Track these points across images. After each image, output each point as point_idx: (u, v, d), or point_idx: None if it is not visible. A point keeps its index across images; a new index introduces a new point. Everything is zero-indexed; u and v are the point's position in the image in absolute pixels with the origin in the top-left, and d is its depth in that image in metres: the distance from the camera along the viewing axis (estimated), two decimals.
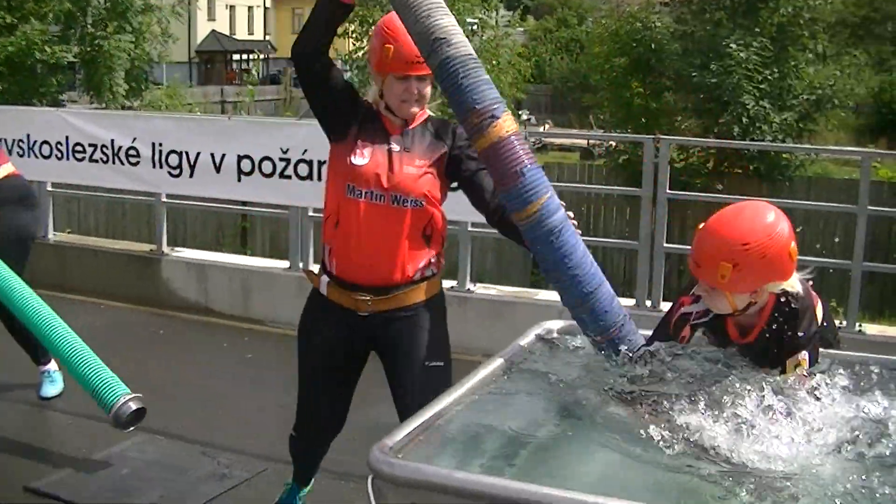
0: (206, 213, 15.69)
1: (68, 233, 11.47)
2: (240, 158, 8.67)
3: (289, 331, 8.30)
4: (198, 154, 8.87)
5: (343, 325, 4.37)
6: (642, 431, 3.05)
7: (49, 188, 10.10)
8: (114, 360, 7.60)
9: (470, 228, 8.15)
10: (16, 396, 6.85)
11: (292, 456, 4.89)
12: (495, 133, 3.61)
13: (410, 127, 4.26)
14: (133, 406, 5.44)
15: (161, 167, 9.07)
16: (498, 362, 3.55)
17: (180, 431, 6.19)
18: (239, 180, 8.71)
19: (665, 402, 3.26)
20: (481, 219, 4.38)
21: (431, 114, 4.36)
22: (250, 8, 76.98)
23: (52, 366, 6.88)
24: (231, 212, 13.85)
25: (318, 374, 4.56)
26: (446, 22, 3.68)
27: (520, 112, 35.44)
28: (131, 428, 5.53)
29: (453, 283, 8.08)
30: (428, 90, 4.21)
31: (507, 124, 3.63)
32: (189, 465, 5.80)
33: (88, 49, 27.06)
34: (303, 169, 8.37)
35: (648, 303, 7.88)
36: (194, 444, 6.08)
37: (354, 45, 27.50)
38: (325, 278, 4.39)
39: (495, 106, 3.63)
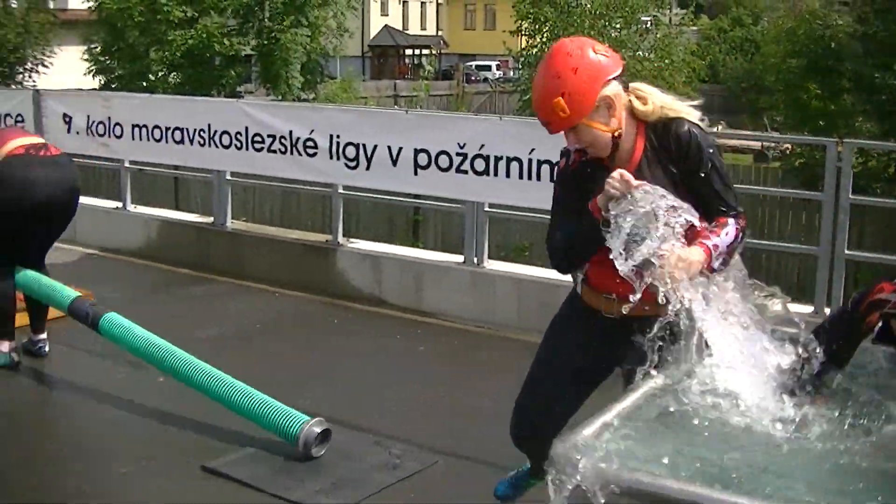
0: (379, 205, 15.85)
1: (244, 221, 11.69)
2: (416, 152, 8.71)
3: (460, 325, 8.41)
4: (375, 147, 8.95)
5: (590, 326, 4.18)
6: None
7: (228, 177, 10.32)
8: (288, 348, 7.83)
9: None
10: None
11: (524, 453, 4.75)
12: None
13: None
14: (317, 430, 5.71)
15: (338, 159, 9.19)
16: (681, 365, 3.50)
17: (353, 420, 6.24)
18: (415, 174, 8.76)
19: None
20: None
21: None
22: (423, 3, 77.56)
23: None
24: (404, 205, 13.96)
25: (555, 370, 4.36)
26: None
27: None
28: (322, 452, 5.73)
29: None
30: (583, 137, 3.84)
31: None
32: (361, 454, 5.84)
33: (265, 42, 27.66)
34: (479, 164, 8.36)
35: (827, 310, 7.67)
36: (367, 433, 6.12)
37: (527, 41, 27.51)
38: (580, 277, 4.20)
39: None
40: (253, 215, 16.50)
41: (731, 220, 3.75)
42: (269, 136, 9.62)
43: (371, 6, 61.86)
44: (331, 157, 9.23)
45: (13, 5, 33.26)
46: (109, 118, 11.07)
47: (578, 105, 3.70)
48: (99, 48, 30.98)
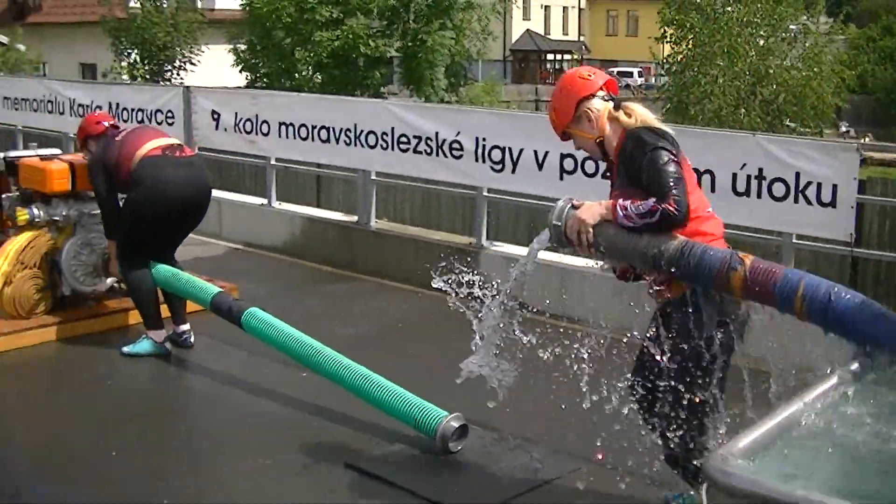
0: (520, 208, 15.73)
1: (385, 221, 11.74)
2: (563, 157, 8.66)
3: (603, 331, 8.27)
4: (521, 150, 8.92)
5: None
6: None
7: (373, 177, 10.39)
8: (428, 348, 7.82)
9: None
10: None
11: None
12: (738, 278, 4.21)
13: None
14: (455, 424, 5.79)
15: (483, 161, 9.18)
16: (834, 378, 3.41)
17: (494, 423, 6.20)
18: (561, 178, 8.70)
19: None
20: None
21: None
22: (565, 8, 77.38)
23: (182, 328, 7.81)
24: (545, 208, 13.87)
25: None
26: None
27: (839, 123, 34.28)
28: (459, 447, 5.79)
29: None
30: (576, 141, 5.04)
31: (741, 268, 4.21)
32: (502, 457, 5.82)
33: (410, 44, 27.81)
34: None
35: None
36: (508, 436, 6.09)
37: (672, 48, 27.21)
38: None
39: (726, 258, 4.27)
40: (394, 215, 16.58)
41: (651, 199, 4.43)
42: (414, 136, 9.67)
43: (513, 10, 61.93)
44: (476, 160, 9.23)
45: (164, 5, 34.04)
46: (257, 116, 11.23)
47: (560, 115, 4.94)
48: (246, 47, 31.51)
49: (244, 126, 11.35)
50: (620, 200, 4.49)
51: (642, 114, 4.79)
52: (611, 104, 4.82)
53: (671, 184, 4.43)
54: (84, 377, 7.31)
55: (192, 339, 7.78)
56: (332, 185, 16.57)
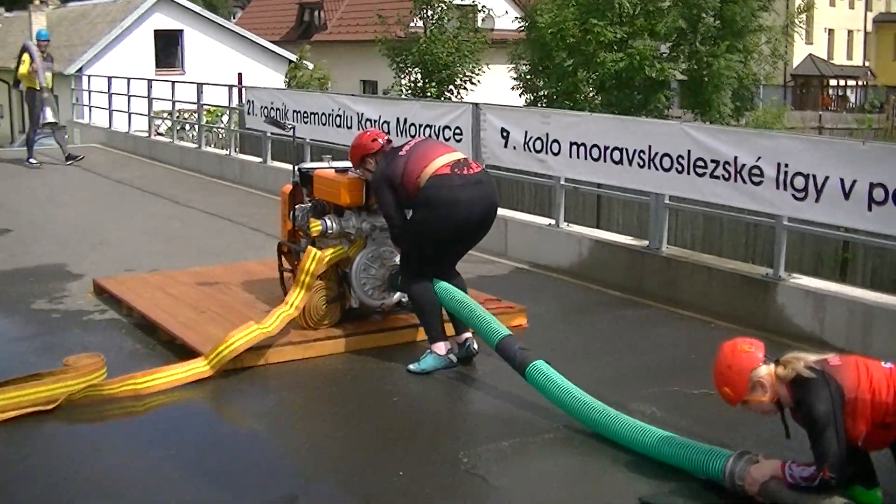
0: (805, 237, 15.13)
1: (676, 247, 11.39)
2: (872, 186, 8.15)
3: None
4: (826, 178, 8.44)
5: None
6: None
7: (666, 201, 10.08)
8: None
9: None
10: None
11: None
12: None
13: None
14: (741, 463, 5.52)
15: (785, 189, 8.73)
16: None
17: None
18: (869, 209, 8.18)
19: None
20: None
21: None
22: (850, 32, 74.92)
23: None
24: (830, 238, 13.16)
25: None
26: None
27: None
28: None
29: None
30: (753, 407, 5.44)
31: None
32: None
33: (695, 67, 27.27)
34: None
35: None
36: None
37: None
38: None
39: None
40: (675, 240, 16.20)
41: (812, 468, 5.04)
42: (712, 160, 9.30)
43: (795, 35, 60.25)
44: (777, 187, 8.79)
45: (446, 26, 34.56)
46: (547, 135, 11.09)
47: (736, 391, 5.35)
48: (527, 67, 31.59)
49: (534, 145, 11.23)
50: (788, 464, 5.17)
51: (794, 363, 5.24)
52: (772, 366, 5.31)
53: (828, 453, 4.98)
54: (369, 391, 7.32)
55: (476, 346, 7.68)
56: (612, 206, 16.31)
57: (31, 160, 20.41)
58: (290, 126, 9.42)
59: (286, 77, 40.63)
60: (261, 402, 7.10)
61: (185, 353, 7.76)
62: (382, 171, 7.61)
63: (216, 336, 7.73)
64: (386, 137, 8.04)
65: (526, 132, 11.39)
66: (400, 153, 7.60)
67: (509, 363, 6.88)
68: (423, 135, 12.92)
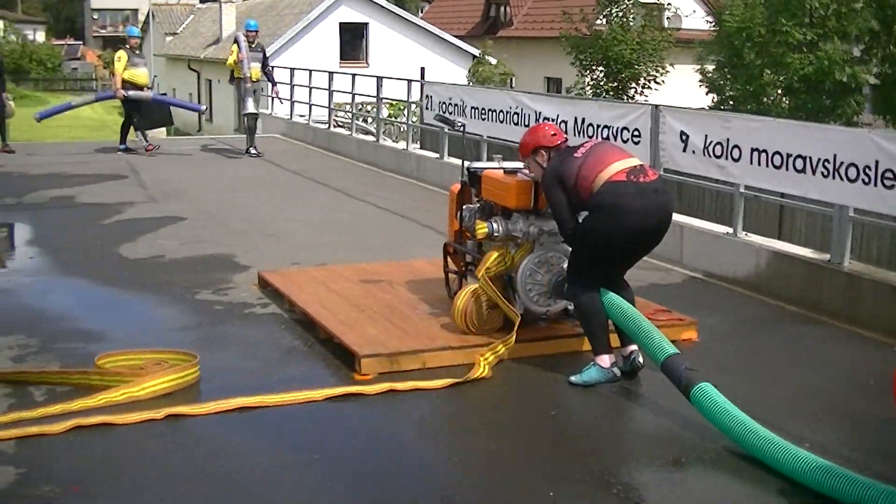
0: None
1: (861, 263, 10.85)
2: None
3: None
4: None
5: None
6: None
7: (851, 213, 9.58)
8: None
9: None
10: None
11: None
12: None
13: None
14: None
15: None
16: None
17: None
18: None
19: None
20: None
21: None
22: None
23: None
24: None
25: None
26: None
27: None
28: None
29: None
30: None
31: None
32: None
33: (889, 71, 26.25)
34: None
35: None
36: None
37: None
38: None
39: None
40: (858, 253, 15.56)
41: None
42: None
43: None
44: None
45: (630, 23, 34.11)
46: (728, 139, 10.69)
47: None
48: (714, 67, 30.94)
49: (713, 150, 10.84)
50: None
51: None
52: None
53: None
54: (527, 402, 7.12)
55: (641, 359, 7.36)
56: (795, 216, 15.72)
57: (252, 150, 21.03)
58: (459, 124, 9.23)
59: (469, 72, 40.67)
60: (414, 407, 6.91)
61: (343, 352, 7.65)
62: (556, 170, 7.37)
63: (374, 337, 7.65)
64: (564, 136, 7.80)
65: (706, 136, 11.00)
66: (575, 154, 7.35)
67: (674, 384, 6.58)
68: (601, 136, 12.66)
